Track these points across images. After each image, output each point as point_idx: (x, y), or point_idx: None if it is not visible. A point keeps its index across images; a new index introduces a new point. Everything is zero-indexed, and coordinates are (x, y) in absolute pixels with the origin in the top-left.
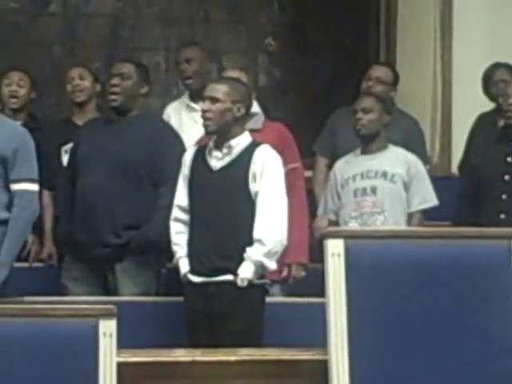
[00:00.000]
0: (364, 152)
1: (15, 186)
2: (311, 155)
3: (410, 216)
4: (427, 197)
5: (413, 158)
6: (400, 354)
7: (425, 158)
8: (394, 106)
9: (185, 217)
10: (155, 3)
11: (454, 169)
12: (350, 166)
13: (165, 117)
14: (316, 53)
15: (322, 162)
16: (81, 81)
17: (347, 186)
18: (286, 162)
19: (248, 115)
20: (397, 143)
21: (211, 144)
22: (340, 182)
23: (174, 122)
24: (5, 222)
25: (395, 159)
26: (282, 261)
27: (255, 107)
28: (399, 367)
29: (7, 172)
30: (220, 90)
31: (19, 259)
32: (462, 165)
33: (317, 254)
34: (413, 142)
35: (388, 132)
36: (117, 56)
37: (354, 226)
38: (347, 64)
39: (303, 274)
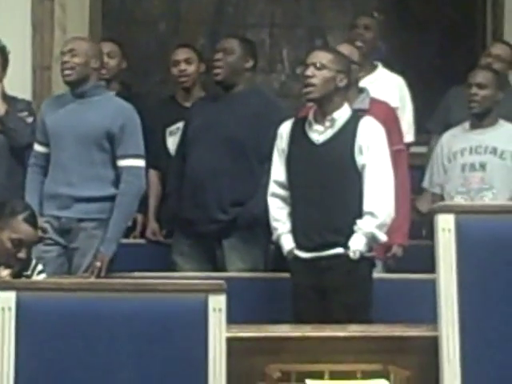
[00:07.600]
0: (473, 126)
1: (122, 162)
2: (418, 131)
3: None
4: None
5: None
6: None
7: None
8: (508, 83)
9: (283, 192)
10: None
11: None
12: (458, 140)
13: None
14: (422, 27)
15: (435, 140)
16: (187, 65)
17: (454, 161)
18: (391, 144)
19: (354, 89)
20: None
21: (311, 117)
22: (447, 156)
23: None
24: (112, 198)
25: (506, 135)
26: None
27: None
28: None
29: (114, 148)
30: (326, 57)
31: (126, 236)
32: None
33: (416, 231)
34: None
35: (502, 109)
36: (221, 33)
37: (459, 201)
38: (454, 37)
39: (401, 253)
